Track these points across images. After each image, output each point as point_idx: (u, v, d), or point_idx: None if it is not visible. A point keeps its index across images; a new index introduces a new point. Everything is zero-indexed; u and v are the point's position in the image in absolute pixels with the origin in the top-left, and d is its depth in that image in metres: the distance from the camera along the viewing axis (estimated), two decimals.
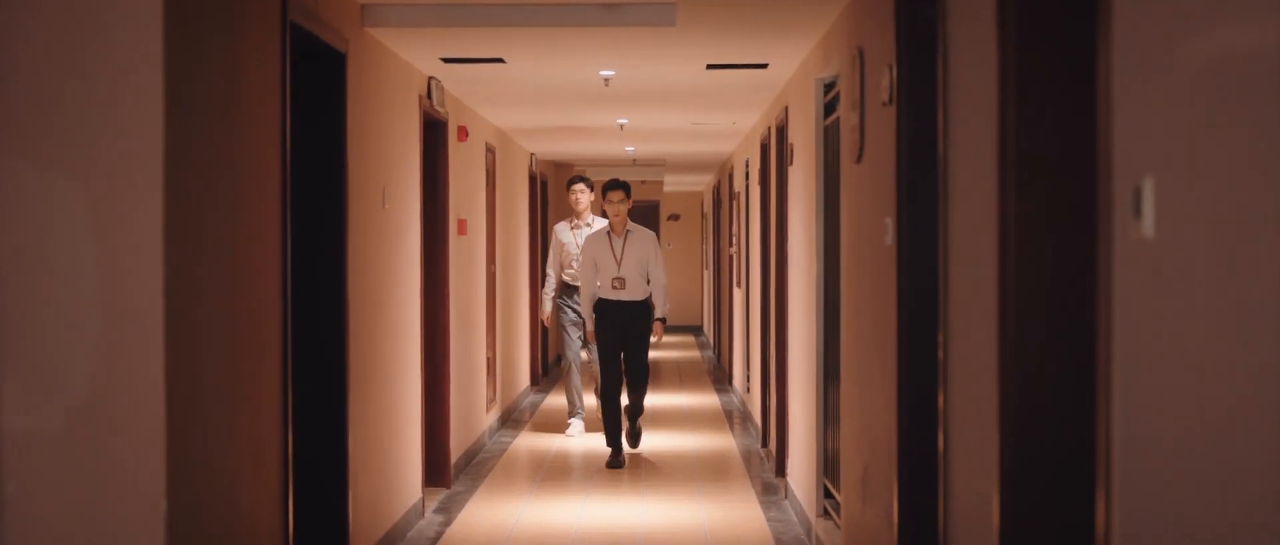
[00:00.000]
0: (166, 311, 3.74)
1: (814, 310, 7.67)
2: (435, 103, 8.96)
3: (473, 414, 10.89)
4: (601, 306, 10.14)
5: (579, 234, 11.50)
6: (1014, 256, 3.58)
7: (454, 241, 9.77)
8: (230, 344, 4.69)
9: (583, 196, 11.53)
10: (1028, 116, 3.56)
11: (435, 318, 9.34)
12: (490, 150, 11.99)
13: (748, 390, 13.29)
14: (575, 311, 11.65)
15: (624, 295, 10.08)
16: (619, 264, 10.09)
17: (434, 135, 9.36)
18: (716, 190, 20.02)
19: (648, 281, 10.23)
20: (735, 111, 11.33)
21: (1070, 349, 3.49)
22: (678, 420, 12.99)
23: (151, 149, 3.70)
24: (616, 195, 10.13)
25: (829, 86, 7.53)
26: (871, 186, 5.67)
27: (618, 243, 10.14)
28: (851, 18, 6.26)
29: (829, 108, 7.53)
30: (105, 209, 3.66)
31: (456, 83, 9.32)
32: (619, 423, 10.15)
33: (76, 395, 3.62)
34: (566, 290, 11.75)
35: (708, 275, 23.10)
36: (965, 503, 4.19)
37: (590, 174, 18.28)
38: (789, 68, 8.56)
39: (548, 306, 12.03)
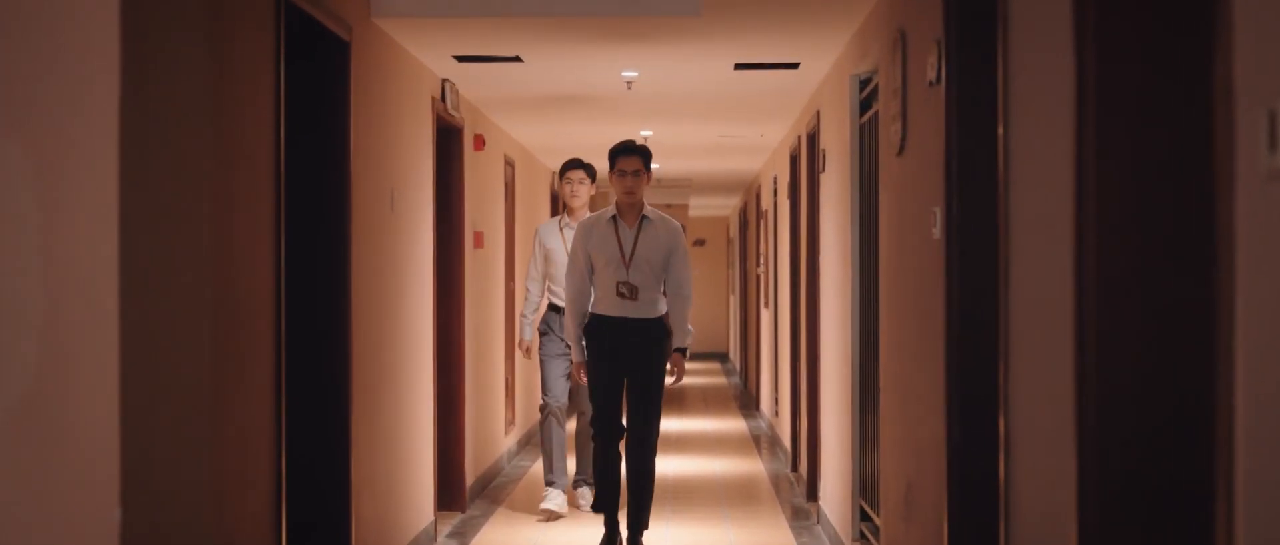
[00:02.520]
0: (123, 313, 3.30)
1: (849, 322, 7.21)
2: (449, 106, 8.53)
3: (490, 436, 10.43)
4: (596, 326, 6.98)
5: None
6: (1094, 233, 3.12)
7: (470, 254, 9.33)
8: (210, 347, 4.25)
9: (582, 188, 8.56)
10: (1113, 75, 3.11)
11: (449, 332, 8.88)
12: (509, 163, 11.56)
13: (776, 414, 12.82)
14: (565, 341, 8.09)
15: (632, 311, 6.91)
16: (628, 264, 6.90)
17: (448, 141, 8.92)
18: (743, 212, 19.58)
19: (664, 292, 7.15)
20: (764, 121, 10.88)
21: (1171, 348, 3.03)
22: (704, 445, 12.53)
23: (105, 131, 3.27)
24: (630, 163, 6.93)
25: (864, 84, 7.09)
26: (915, 177, 5.22)
27: (628, 234, 6.93)
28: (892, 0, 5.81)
29: (863, 106, 7.09)
30: (52, 191, 3.23)
31: (472, 86, 8.89)
32: (616, 481, 7.13)
33: (15, 393, 3.18)
34: (553, 313, 8.52)
35: (734, 301, 22.63)
36: (1032, 526, 3.71)
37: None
38: (821, 67, 8.11)
39: (527, 333, 8.84)
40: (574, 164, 8.56)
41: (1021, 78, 3.77)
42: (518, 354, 10.28)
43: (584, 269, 7.00)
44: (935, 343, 4.77)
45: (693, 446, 12.35)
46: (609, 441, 7.04)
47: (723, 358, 25.24)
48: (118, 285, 3.19)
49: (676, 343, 6.99)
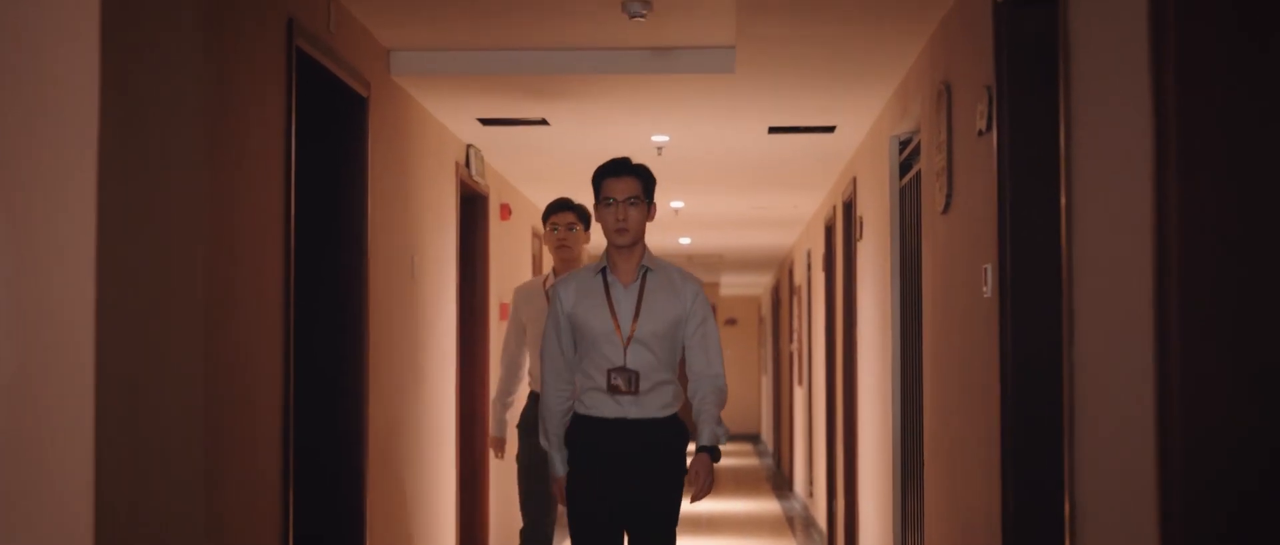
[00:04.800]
0: (98, 394, 3.02)
1: (889, 393, 6.88)
2: (474, 173, 8.27)
3: (516, 518, 10.08)
4: (581, 431, 4.75)
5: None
6: (1177, 293, 2.80)
7: (495, 327, 9.03)
8: (204, 422, 3.96)
9: (572, 236, 6.18)
10: (1194, 106, 2.81)
11: (473, 407, 8.56)
12: (536, 235, 11.30)
13: (810, 494, 12.45)
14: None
15: (632, 408, 4.68)
16: (626, 341, 4.67)
17: (473, 209, 8.66)
18: (775, 291, 19.29)
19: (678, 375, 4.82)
20: (798, 190, 10.60)
21: (1269, 418, 2.70)
22: (734, 527, 12.16)
23: (84, 199, 3.00)
24: (623, 188, 4.69)
25: (903, 145, 6.81)
26: (963, 235, 4.91)
27: (624, 295, 4.71)
28: (935, 50, 5.53)
29: (903, 169, 6.80)
30: (31, 290, 2.95)
31: (497, 152, 8.63)
32: None
33: None
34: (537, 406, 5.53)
35: (766, 381, 22.27)
36: None
37: None
38: (859, 129, 7.83)
39: (498, 427, 6.50)
40: (562, 205, 6.18)
41: (1085, 118, 3.47)
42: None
43: (564, 347, 4.73)
44: (988, 409, 4.44)
45: (723, 528, 11.98)
46: None
47: (755, 438, 24.84)
48: (94, 364, 2.91)
49: (702, 441, 4.68)
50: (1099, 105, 3.36)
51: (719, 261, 17.77)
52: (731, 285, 23.48)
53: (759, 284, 23.16)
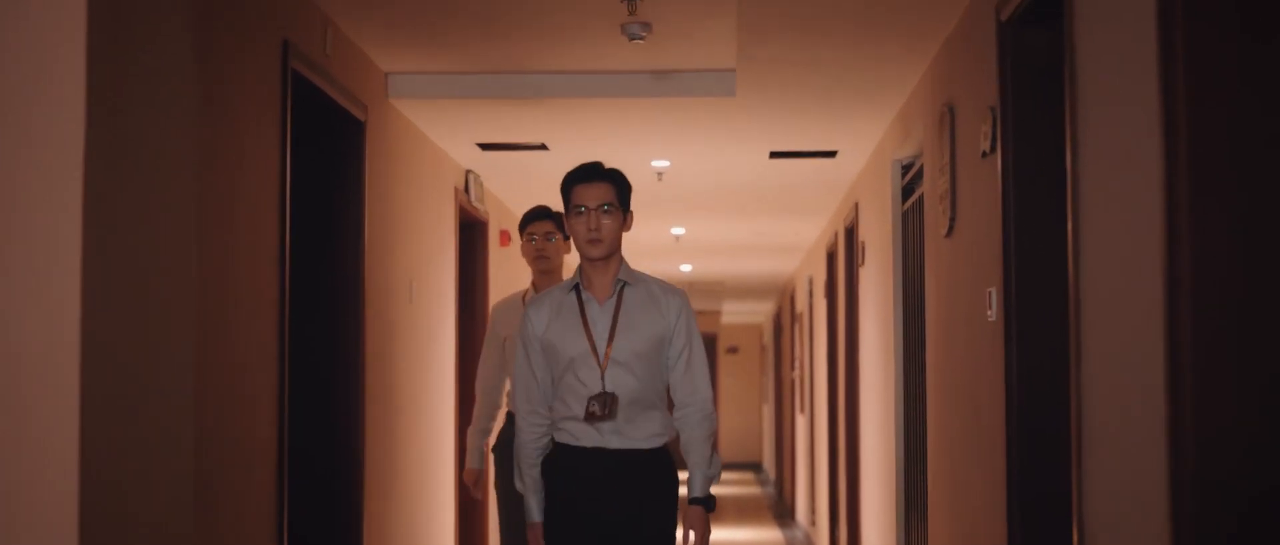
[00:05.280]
0: (83, 439, 2.95)
1: (892, 420, 6.81)
2: (473, 198, 8.22)
3: None
4: (559, 464, 4.23)
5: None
6: (1189, 312, 2.74)
7: None
8: (195, 442, 3.90)
9: (551, 247, 5.58)
10: (1205, 123, 2.75)
11: None
12: None
13: (813, 523, 12.36)
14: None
15: (612, 438, 4.18)
16: (603, 363, 4.18)
17: (472, 235, 8.60)
18: (777, 318, 19.22)
19: (664, 401, 4.30)
20: (799, 217, 10.54)
21: None
22: None
23: (71, 219, 2.94)
24: (595, 194, 4.21)
25: (905, 169, 6.75)
26: (967, 257, 4.85)
27: (600, 314, 4.22)
28: (938, 71, 5.48)
29: (905, 194, 6.74)
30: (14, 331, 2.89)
31: (497, 177, 8.58)
32: None
33: None
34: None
35: (768, 409, 22.18)
36: None
37: None
38: (861, 154, 7.78)
39: (474, 458, 5.81)
40: (539, 214, 5.59)
41: (1092, 137, 3.41)
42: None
43: (538, 375, 4.23)
44: (993, 433, 4.37)
45: None
46: None
47: (757, 467, 24.73)
48: (78, 397, 2.85)
49: (694, 491, 4.21)
50: (1106, 124, 3.30)
51: (720, 289, 17.71)
52: (733, 313, 23.39)
53: (760, 312, 23.08)
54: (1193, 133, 2.78)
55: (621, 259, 4.22)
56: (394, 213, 6.35)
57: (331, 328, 5.61)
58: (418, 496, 6.78)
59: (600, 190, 4.16)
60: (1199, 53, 2.79)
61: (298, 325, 5.33)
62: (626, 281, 4.19)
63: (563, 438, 4.18)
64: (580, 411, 4.12)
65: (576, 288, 4.21)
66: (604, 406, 4.10)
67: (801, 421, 14.12)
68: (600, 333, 4.15)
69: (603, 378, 4.13)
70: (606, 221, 4.14)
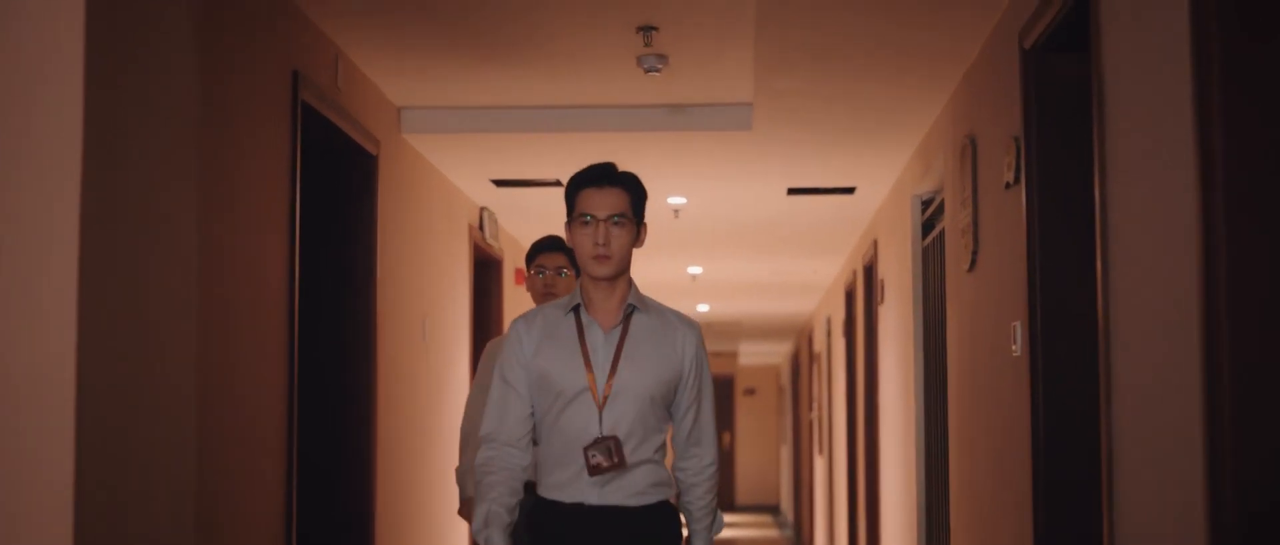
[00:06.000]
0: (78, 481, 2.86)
1: (913, 460, 6.69)
2: (488, 235, 8.14)
3: None
4: (543, 523, 3.49)
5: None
6: (1227, 338, 2.63)
7: None
8: (195, 486, 3.80)
9: (561, 282, 4.90)
10: (1243, 153, 2.65)
11: None
12: None
13: None
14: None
15: (613, 492, 3.44)
16: (603, 401, 3.46)
17: (487, 274, 8.52)
18: (794, 359, 19.10)
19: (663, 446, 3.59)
20: (817, 255, 10.44)
21: None
22: None
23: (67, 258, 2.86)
24: (605, 202, 3.49)
25: (925, 205, 6.65)
26: (990, 292, 4.74)
27: (602, 341, 3.52)
28: (959, 103, 5.39)
29: (925, 230, 6.64)
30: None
31: (511, 214, 8.50)
32: None
33: None
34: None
35: (786, 450, 22.03)
36: None
37: None
38: (880, 190, 7.68)
39: (472, 488, 4.89)
40: (551, 245, 4.90)
41: (1121, 167, 3.31)
42: None
43: (522, 394, 3.48)
44: (1020, 472, 4.25)
45: None
46: None
47: (774, 510, 24.55)
48: (73, 449, 2.75)
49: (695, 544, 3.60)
50: (1137, 152, 3.20)
51: (737, 329, 17.59)
52: (750, 354, 23.27)
53: (778, 353, 22.95)
54: (1230, 161, 2.68)
55: (631, 281, 3.52)
56: (407, 250, 6.27)
57: (342, 368, 5.51)
58: (429, 536, 6.66)
59: (612, 198, 3.45)
60: (1237, 79, 2.69)
61: (307, 365, 5.24)
62: (636, 306, 3.49)
63: (550, 489, 3.41)
64: (574, 459, 3.37)
65: (577, 309, 3.48)
66: (610, 454, 3.35)
67: (820, 463, 13.99)
68: (602, 365, 3.42)
69: (601, 418, 3.39)
70: (617, 235, 3.43)
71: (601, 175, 3.47)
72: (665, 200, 8.02)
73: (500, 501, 3.36)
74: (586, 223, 3.42)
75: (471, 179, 7.35)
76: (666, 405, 3.49)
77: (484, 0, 4.73)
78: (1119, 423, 3.30)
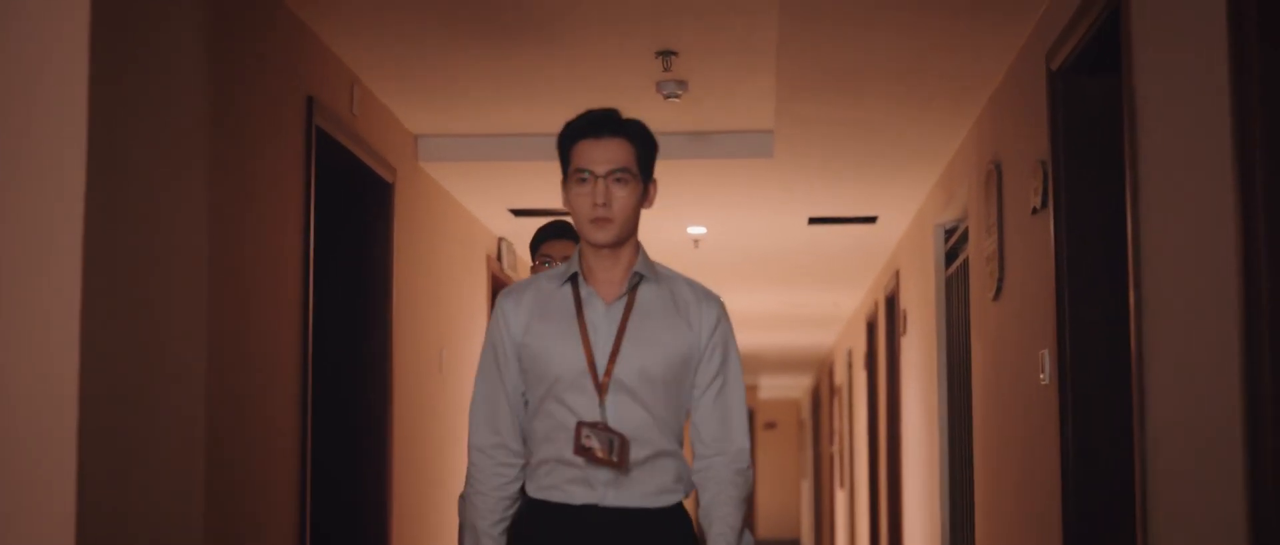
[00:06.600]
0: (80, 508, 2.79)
1: (936, 494, 6.58)
2: (506, 266, 8.07)
3: None
4: (538, 525, 2.90)
5: None
6: (1269, 368, 2.54)
7: None
8: (205, 511, 3.72)
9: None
10: None
11: None
12: None
13: None
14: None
15: (613, 492, 2.86)
16: (603, 383, 2.86)
17: None
18: (815, 392, 18.97)
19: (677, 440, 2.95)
20: (838, 287, 10.35)
21: None
22: None
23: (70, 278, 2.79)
24: (604, 155, 2.87)
25: (948, 234, 6.56)
26: (1016, 320, 4.65)
27: (603, 315, 2.91)
28: (984, 129, 5.30)
29: (949, 258, 6.55)
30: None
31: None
32: None
33: None
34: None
35: (806, 485, 21.88)
36: None
37: None
38: (902, 220, 7.60)
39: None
40: (557, 231, 4.00)
41: (1154, 191, 3.22)
42: None
43: (509, 383, 2.93)
44: (1049, 504, 4.15)
45: None
46: None
47: (794, 544, 24.39)
48: (76, 483, 2.68)
49: None
50: (1172, 175, 3.11)
51: (758, 363, 17.49)
52: (770, 387, 23.15)
53: (798, 386, 22.83)
54: (1271, 183, 2.59)
55: (639, 246, 2.94)
56: (424, 279, 6.19)
57: (358, 399, 5.43)
58: None
59: (613, 150, 2.87)
60: (1278, 99, 2.60)
61: (322, 396, 5.16)
62: (644, 275, 2.91)
63: (538, 491, 2.88)
64: (569, 444, 2.83)
65: (573, 278, 2.93)
66: (611, 445, 2.80)
67: (841, 497, 13.86)
68: (602, 342, 2.87)
69: (602, 403, 2.83)
70: (619, 193, 2.85)
71: (600, 123, 2.90)
72: (685, 230, 7.94)
73: (488, 532, 2.90)
74: (583, 180, 2.86)
75: (489, 208, 7.28)
76: (679, 391, 2.90)
77: (502, 26, 4.67)
78: (1153, 457, 3.20)
